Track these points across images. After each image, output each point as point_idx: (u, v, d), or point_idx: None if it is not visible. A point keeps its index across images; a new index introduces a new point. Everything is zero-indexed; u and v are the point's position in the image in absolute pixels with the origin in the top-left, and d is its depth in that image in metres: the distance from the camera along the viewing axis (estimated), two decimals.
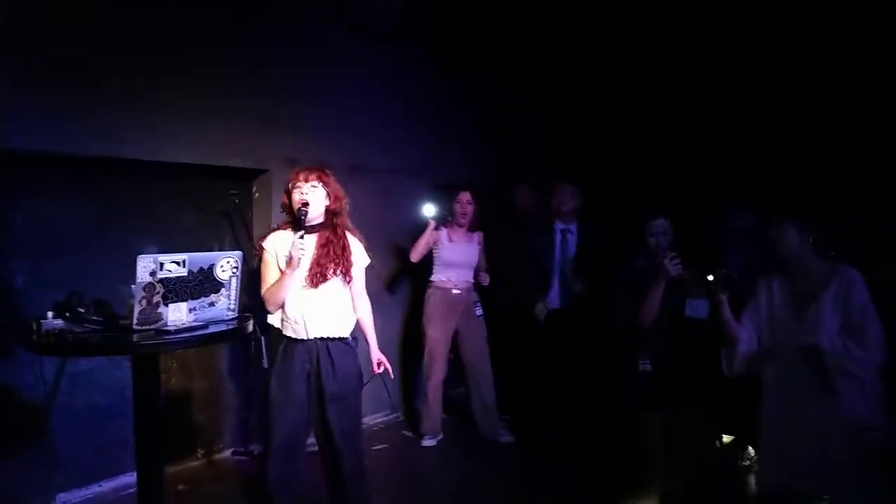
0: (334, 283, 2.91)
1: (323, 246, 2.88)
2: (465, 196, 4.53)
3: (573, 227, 4.60)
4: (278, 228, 2.98)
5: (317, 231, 2.90)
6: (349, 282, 2.96)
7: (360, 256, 3.02)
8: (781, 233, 2.91)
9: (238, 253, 2.77)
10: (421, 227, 4.48)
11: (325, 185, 2.90)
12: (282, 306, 2.88)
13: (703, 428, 3.56)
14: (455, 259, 4.53)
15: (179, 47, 3.77)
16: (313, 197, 2.85)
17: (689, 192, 4.58)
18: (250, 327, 2.87)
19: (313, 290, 2.85)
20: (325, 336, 2.88)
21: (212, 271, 2.68)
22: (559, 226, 4.61)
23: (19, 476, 3.39)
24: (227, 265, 2.72)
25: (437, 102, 5.31)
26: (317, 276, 2.84)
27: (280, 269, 2.86)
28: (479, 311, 4.59)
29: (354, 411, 2.98)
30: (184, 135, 3.78)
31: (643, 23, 5.26)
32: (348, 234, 2.98)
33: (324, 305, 2.88)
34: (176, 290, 2.58)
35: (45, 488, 3.50)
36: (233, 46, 4.01)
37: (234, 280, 2.76)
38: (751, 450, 3.94)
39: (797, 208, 3.01)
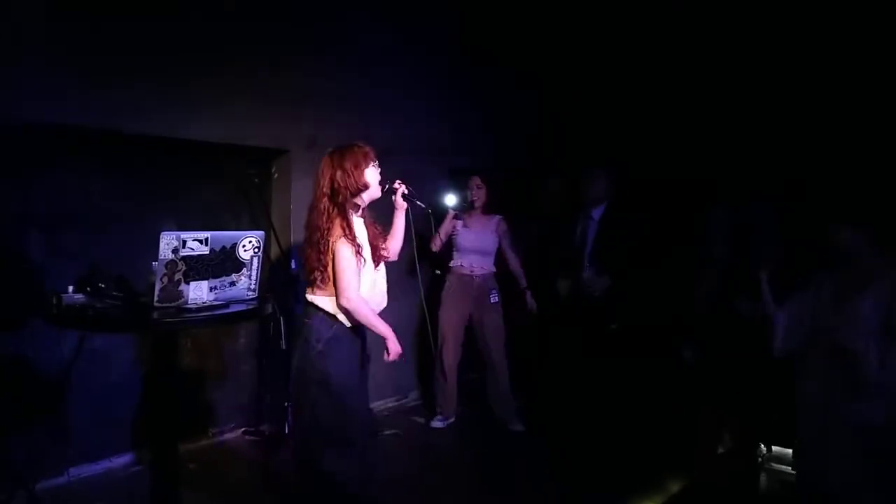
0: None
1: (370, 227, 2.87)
2: (476, 180, 4.45)
3: (599, 211, 4.51)
4: (343, 216, 2.70)
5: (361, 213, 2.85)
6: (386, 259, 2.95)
7: None
8: (839, 232, 2.72)
9: (261, 233, 2.74)
10: (441, 215, 4.39)
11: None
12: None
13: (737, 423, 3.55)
14: (469, 245, 4.47)
15: (202, 26, 3.71)
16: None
17: (721, 181, 4.40)
18: (270, 308, 2.85)
19: (380, 271, 2.86)
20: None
21: (234, 250, 2.65)
22: (588, 211, 4.56)
23: (32, 449, 3.40)
24: (249, 245, 2.69)
25: (461, 86, 5.23)
26: (379, 256, 2.85)
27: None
28: (494, 298, 4.51)
29: None
30: (204, 113, 3.74)
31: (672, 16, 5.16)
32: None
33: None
34: (197, 268, 2.55)
35: (57, 462, 3.51)
36: (255, 26, 3.96)
37: (255, 260, 2.73)
38: (762, 447, 3.94)
39: (856, 204, 2.80)
